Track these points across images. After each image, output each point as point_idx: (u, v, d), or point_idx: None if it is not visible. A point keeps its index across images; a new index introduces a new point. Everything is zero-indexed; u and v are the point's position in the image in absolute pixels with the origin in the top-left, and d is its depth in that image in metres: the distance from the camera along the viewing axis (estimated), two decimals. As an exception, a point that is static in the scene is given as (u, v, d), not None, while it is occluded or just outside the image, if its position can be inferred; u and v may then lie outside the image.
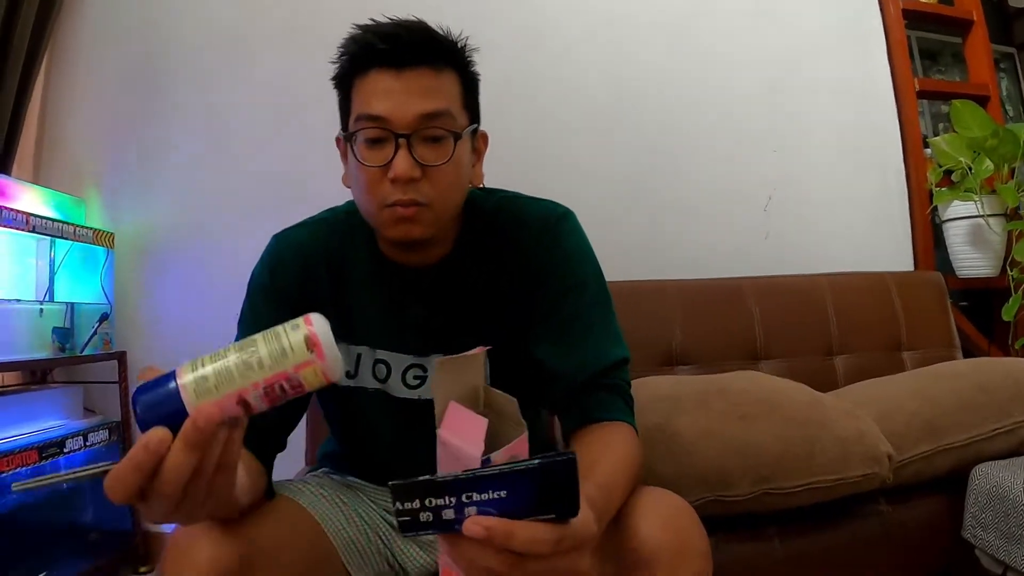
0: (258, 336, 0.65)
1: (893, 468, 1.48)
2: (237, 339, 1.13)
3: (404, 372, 1.19)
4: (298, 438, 1.81)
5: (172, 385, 0.62)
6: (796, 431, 1.44)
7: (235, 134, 2.64)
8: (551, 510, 0.59)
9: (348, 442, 1.34)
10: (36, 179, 2.63)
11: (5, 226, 2.02)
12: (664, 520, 0.96)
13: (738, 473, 1.40)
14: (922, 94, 2.90)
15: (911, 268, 2.74)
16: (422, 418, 1.19)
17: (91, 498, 2.34)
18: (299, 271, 1.18)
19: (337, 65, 1.09)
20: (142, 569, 2.49)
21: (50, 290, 2.30)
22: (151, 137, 2.67)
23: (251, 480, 1.00)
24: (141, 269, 2.62)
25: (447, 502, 0.56)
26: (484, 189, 1.24)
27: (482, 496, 0.56)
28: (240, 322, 1.19)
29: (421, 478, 0.58)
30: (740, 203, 2.64)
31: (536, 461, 0.58)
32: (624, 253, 2.39)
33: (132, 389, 2.43)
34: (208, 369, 0.63)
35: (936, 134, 2.97)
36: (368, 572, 1.19)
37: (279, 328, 0.65)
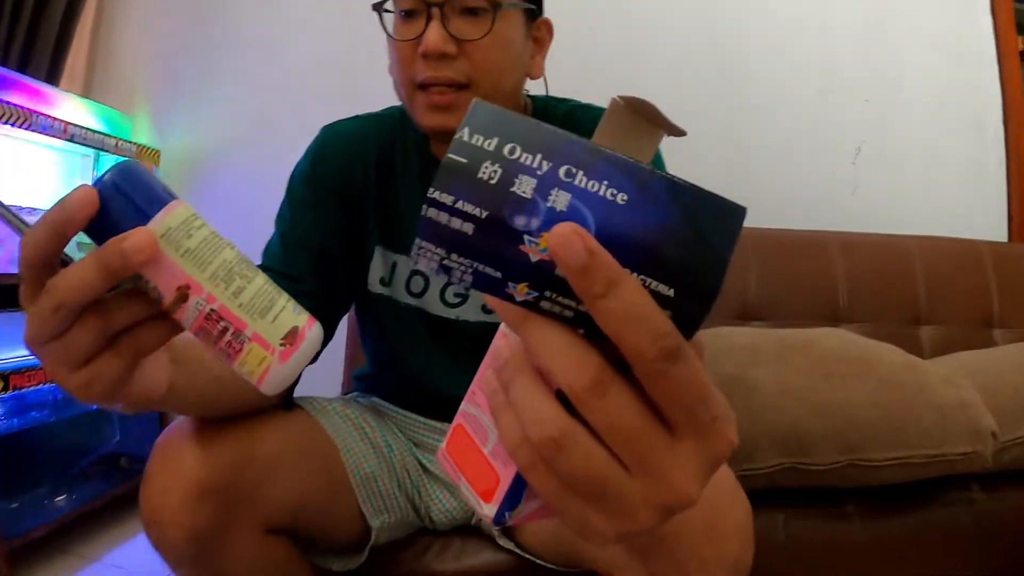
0: (260, 274, 0.53)
1: (995, 450, 1.31)
2: (273, 236, 1.07)
3: (444, 288, 1.10)
4: (336, 366, 1.72)
5: (163, 197, 0.49)
6: (890, 395, 1.28)
7: (289, 53, 2.57)
8: (674, 278, 0.33)
9: (378, 359, 1.24)
10: (87, 93, 2.60)
11: (41, 133, 1.93)
12: None
13: (821, 438, 1.25)
14: (1025, 55, 2.70)
15: (1004, 239, 2.55)
16: (459, 340, 1.10)
17: (120, 422, 2.31)
18: (344, 162, 1.10)
19: None
20: (169, 499, 2.43)
21: (90, 204, 2.22)
22: (207, 56, 2.62)
23: None
24: (187, 188, 2.57)
25: (536, 164, 0.33)
26: (557, 98, 1.15)
27: (592, 183, 0.33)
28: (278, 217, 1.10)
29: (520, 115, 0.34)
30: (827, 152, 2.47)
31: (687, 182, 0.34)
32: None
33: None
34: (200, 233, 0.50)
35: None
36: (387, 517, 1.07)
37: (283, 294, 0.54)
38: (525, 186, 0.33)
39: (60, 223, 0.46)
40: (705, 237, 0.33)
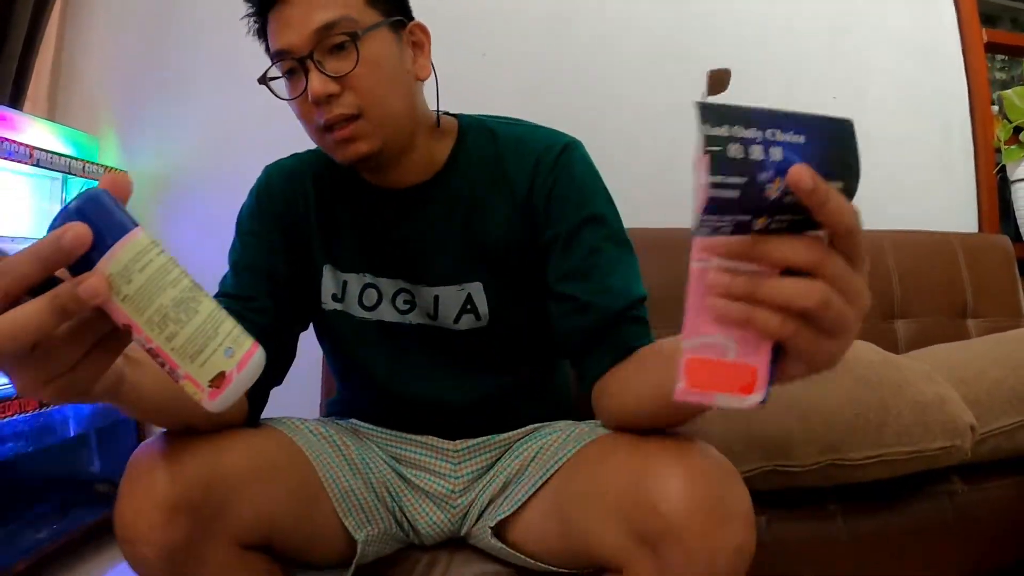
0: (202, 311, 0.57)
1: (974, 442, 1.32)
2: (228, 274, 1.14)
3: (394, 297, 1.15)
4: (312, 397, 1.71)
5: (121, 227, 0.54)
6: (869, 394, 1.28)
7: (254, 71, 2.49)
8: (840, 177, 0.50)
9: (345, 377, 1.29)
10: (51, 116, 2.54)
11: (5, 159, 1.90)
12: (694, 476, 0.80)
13: (802, 440, 1.24)
14: (990, 47, 2.76)
15: (975, 230, 2.59)
16: (413, 342, 1.15)
17: (99, 449, 2.27)
18: (286, 195, 1.18)
19: (251, 20, 1.10)
20: (152, 524, 2.40)
21: (60, 230, 2.19)
22: (172, 75, 2.58)
23: None
24: (156, 210, 2.52)
25: (755, 136, 0.46)
26: (485, 116, 1.22)
27: (786, 137, 0.47)
28: (230, 252, 1.17)
29: (731, 104, 0.48)
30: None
31: (817, 115, 0.50)
32: (673, 198, 2.20)
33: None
34: (148, 269, 0.54)
35: (992, 103, 2.77)
36: (371, 530, 1.07)
37: (221, 331, 0.58)
38: (757, 152, 0.46)
39: (52, 260, 0.51)
40: (846, 146, 0.49)
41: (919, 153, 2.56)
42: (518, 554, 1.03)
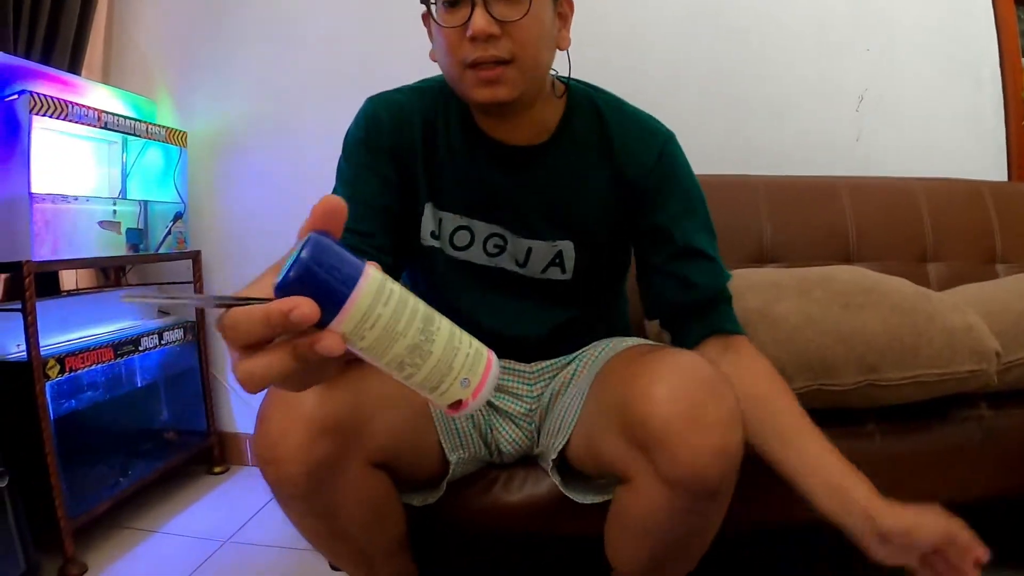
0: (435, 351, 0.55)
1: (999, 369, 1.41)
2: (336, 190, 1.15)
3: (485, 240, 1.21)
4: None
5: (346, 291, 0.51)
6: (904, 320, 1.37)
7: (307, 30, 2.59)
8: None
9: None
10: (106, 81, 2.63)
11: (77, 122, 2.00)
12: (675, 390, 0.92)
13: (843, 362, 1.34)
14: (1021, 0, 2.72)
15: (1004, 179, 2.60)
16: (501, 284, 1.23)
17: (167, 397, 2.37)
18: (393, 128, 1.18)
19: None
20: (216, 469, 2.53)
21: (123, 189, 2.29)
22: (222, 36, 2.64)
23: None
24: (214, 168, 2.62)
25: None
26: (585, 84, 1.25)
27: None
28: (338, 176, 1.20)
29: None
30: (830, 102, 2.52)
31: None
32: (708, 146, 2.31)
33: (206, 287, 2.44)
34: (381, 320, 0.52)
35: (1022, 55, 2.78)
36: (462, 453, 1.18)
37: (456, 364, 0.57)
38: None
39: (279, 328, 0.49)
40: None
41: (951, 105, 2.57)
42: (568, 493, 1.14)
